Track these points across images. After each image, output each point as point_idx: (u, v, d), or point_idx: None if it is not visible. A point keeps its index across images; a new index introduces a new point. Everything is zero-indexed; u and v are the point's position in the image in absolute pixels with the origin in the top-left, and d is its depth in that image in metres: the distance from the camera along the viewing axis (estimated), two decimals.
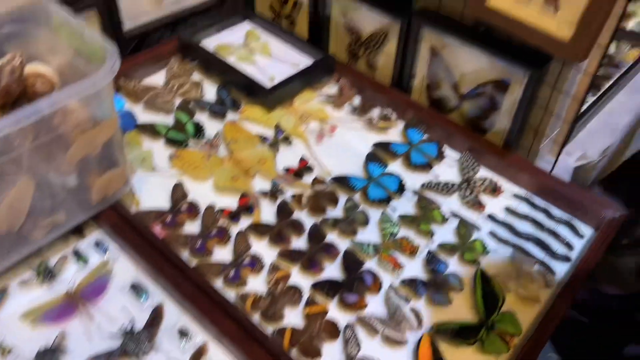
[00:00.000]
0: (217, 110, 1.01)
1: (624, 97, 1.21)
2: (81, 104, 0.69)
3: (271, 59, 1.12)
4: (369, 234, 0.84)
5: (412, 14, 1.00)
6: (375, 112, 1.05)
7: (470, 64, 0.96)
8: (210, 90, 1.06)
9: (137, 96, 1.01)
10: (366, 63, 1.14)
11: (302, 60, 1.11)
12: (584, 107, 1.03)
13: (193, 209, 0.83)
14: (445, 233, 0.85)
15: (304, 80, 1.06)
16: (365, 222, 0.85)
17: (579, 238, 0.86)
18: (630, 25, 1.35)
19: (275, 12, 1.27)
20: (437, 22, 0.97)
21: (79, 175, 0.74)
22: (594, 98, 1.12)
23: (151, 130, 0.95)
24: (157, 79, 1.07)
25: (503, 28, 0.83)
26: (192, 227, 0.82)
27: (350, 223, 0.84)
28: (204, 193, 0.87)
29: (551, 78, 0.88)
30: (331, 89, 1.09)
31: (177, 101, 1.02)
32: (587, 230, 0.87)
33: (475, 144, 0.97)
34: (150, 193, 0.86)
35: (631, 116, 1.17)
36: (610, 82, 1.17)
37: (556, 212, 0.89)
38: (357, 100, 1.08)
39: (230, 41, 1.15)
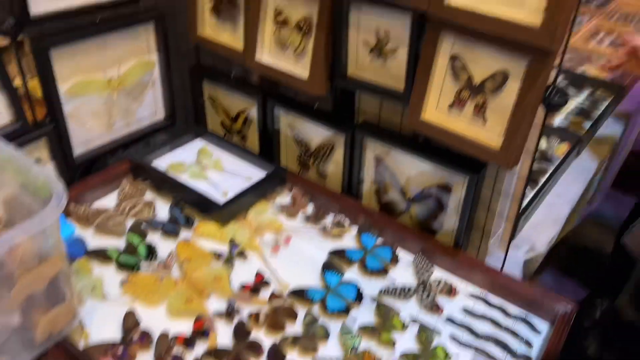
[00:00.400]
0: (170, 229, 1.01)
1: (561, 188, 1.29)
2: (27, 241, 0.67)
3: (224, 174, 1.15)
4: (331, 349, 0.82)
5: (354, 127, 1.06)
6: (329, 219, 1.07)
7: (413, 169, 1.01)
8: (163, 209, 1.06)
9: (87, 220, 1.00)
10: (317, 172, 1.18)
11: (254, 173, 1.13)
12: (525, 202, 1.08)
13: (146, 338, 0.80)
14: (407, 341, 0.84)
15: (257, 192, 1.08)
16: (326, 336, 0.84)
17: (536, 334, 0.87)
18: (557, 121, 1.47)
19: (227, 129, 1.32)
20: (378, 134, 1.03)
21: (23, 314, 0.71)
22: (533, 192, 1.19)
23: (102, 255, 0.93)
24: (108, 201, 1.07)
25: (438, 139, 0.89)
26: (145, 359, 0.78)
27: (311, 339, 0.83)
28: (157, 319, 0.84)
29: (490, 181, 0.94)
30: (284, 199, 1.12)
31: (129, 223, 1.01)
32: (542, 326, 0.88)
33: (427, 245, 1.00)
34: (101, 324, 0.82)
35: (570, 206, 1.24)
36: (546, 176, 1.25)
37: (511, 309, 0.90)
38: (310, 209, 1.10)
39: (183, 159, 1.17)
